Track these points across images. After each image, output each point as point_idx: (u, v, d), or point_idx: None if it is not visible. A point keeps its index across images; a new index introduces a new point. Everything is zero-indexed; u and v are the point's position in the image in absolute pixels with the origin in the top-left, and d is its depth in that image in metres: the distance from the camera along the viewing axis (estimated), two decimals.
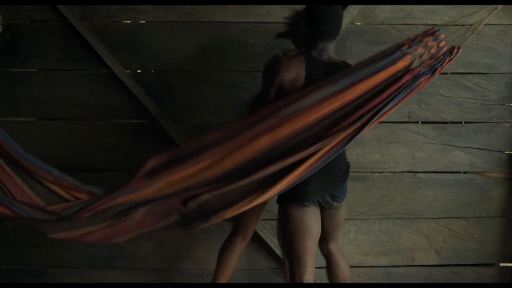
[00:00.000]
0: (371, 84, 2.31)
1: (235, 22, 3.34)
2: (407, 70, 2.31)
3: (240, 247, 3.03)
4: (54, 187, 2.37)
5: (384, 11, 3.36)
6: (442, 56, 2.34)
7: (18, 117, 3.39)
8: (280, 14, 3.32)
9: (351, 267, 3.46)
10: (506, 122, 3.45)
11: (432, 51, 2.33)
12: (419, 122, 3.46)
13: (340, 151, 2.44)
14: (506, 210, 3.52)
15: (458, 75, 3.43)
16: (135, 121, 3.42)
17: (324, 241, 2.87)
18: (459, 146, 3.44)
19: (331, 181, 2.64)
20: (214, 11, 3.33)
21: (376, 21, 3.37)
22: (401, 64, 2.29)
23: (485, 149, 3.46)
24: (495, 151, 3.47)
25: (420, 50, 2.29)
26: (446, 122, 3.46)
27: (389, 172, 3.46)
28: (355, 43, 3.37)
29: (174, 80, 3.38)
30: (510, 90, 3.43)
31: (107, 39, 3.33)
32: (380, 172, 3.46)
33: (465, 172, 3.49)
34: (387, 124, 3.43)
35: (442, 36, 2.35)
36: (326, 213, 2.75)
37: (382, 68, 2.30)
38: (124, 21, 3.36)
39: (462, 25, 3.37)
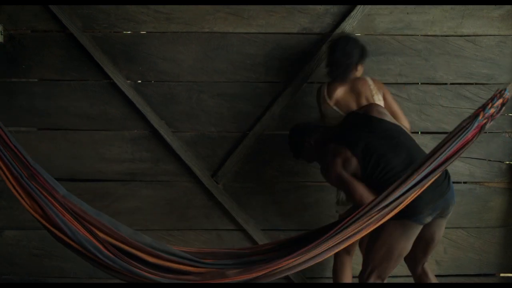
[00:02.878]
0: (450, 155, 2.33)
1: (235, 32, 3.36)
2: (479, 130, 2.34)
3: (349, 262, 3.06)
4: (60, 209, 2.28)
5: (383, 22, 3.38)
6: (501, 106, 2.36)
7: (18, 126, 3.40)
8: (280, 25, 3.34)
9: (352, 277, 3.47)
10: (506, 132, 3.46)
11: (499, 107, 2.35)
12: (419, 132, 3.46)
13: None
14: (506, 220, 3.52)
15: (457, 85, 3.44)
16: (135, 131, 3.43)
17: (419, 261, 2.83)
18: (459, 156, 3.44)
19: (437, 186, 2.58)
20: (215, 22, 3.35)
21: (375, 31, 3.38)
22: (476, 131, 2.31)
23: (485, 159, 3.46)
24: (495, 161, 3.47)
25: (491, 112, 2.31)
26: (445, 132, 3.46)
27: None
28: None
29: (175, 90, 3.39)
30: (509, 100, 3.43)
31: (107, 49, 3.34)
32: None
33: (465, 182, 3.49)
34: None
35: (508, 95, 2.36)
36: (434, 224, 2.69)
37: (460, 141, 2.32)
38: (124, 32, 3.37)
39: (461, 36, 3.40)
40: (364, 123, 2.77)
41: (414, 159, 2.63)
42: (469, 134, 2.29)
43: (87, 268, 3.45)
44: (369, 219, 2.31)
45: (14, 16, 3.31)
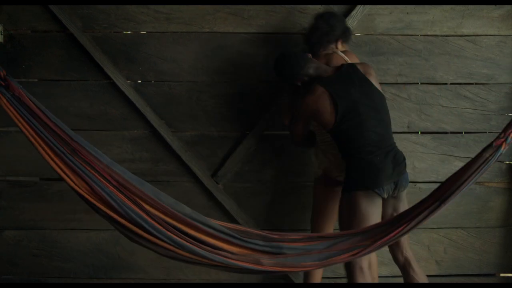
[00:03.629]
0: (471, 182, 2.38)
1: (235, 32, 3.36)
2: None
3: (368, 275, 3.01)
4: (104, 182, 2.23)
5: (383, 22, 3.38)
6: None
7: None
8: (280, 25, 3.33)
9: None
10: None
11: None
12: (419, 132, 3.46)
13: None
14: (506, 220, 3.51)
15: (457, 85, 3.44)
16: (136, 131, 3.43)
17: (399, 249, 2.89)
18: (459, 156, 3.45)
19: (398, 166, 2.78)
20: (215, 22, 3.35)
21: (375, 31, 3.39)
22: (496, 158, 2.35)
23: None
24: (495, 161, 3.46)
25: (510, 140, 2.33)
26: (446, 132, 3.47)
27: None
28: (355, 54, 3.37)
29: (174, 90, 3.39)
30: (509, 100, 3.44)
31: (107, 49, 3.34)
32: None
33: None
34: None
35: None
36: (395, 199, 2.81)
37: (483, 172, 2.37)
38: (124, 32, 3.37)
39: (461, 36, 3.40)
40: (360, 83, 2.82)
41: (386, 140, 2.81)
42: (491, 163, 2.35)
43: (87, 268, 3.46)
44: (389, 240, 2.41)
45: (14, 16, 3.31)
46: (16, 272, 3.47)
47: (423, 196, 3.43)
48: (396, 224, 2.40)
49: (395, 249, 2.89)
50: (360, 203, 2.73)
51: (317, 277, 3.22)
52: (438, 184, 3.43)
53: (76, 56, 3.34)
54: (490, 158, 2.32)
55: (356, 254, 2.37)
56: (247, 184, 3.46)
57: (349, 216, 2.76)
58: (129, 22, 3.35)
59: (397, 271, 3.50)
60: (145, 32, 3.38)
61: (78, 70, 3.36)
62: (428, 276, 3.50)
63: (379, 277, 3.51)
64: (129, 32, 3.38)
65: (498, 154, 2.32)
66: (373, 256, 3.08)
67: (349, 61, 2.99)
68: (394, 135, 3.40)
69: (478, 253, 3.52)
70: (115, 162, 2.29)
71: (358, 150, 2.77)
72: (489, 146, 2.33)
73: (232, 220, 3.43)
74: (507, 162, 3.48)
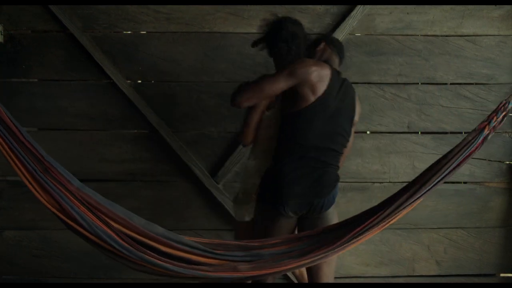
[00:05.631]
0: (454, 167, 2.37)
1: (235, 32, 3.36)
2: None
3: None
4: (75, 202, 2.29)
5: (383, 22, 3.38)
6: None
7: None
8: None
9: (351, 277, 3.47)
10: (506, 132, 3.46)
11: (501, 118, 2.38)
12: (419, 132, 3.47)
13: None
14: (506, 220, 3.52)
15: (457, 85, 3.44)
16: (135, 131, 3.43)
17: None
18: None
19: (318, 188, 2.58)
20: (215, 22, 3.35)
21: (375, 31, 3.39)
22: (480, 142, 2.36)
23: (485, 159, 3.46)
24: (495, 161, 3.47)
25: (496, 124, 2.37)
26: (445, 132, 3.47)
27: (389, 182, 3.46)
28: (355, 54, 3.38)
29: (174, 90, 3.39)
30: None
31: (107, 49, 3.34)
32: (380, 183, 3.47)
33: (465, 182, 3.49)
34: (387, 134, 3.44)
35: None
36: (308, 223, 2.63)
37: (466, 155, 2.36)
38: (124, 32, 3.37)
39: (461, 36, 3.41)
40: (344, 98, 2.66)
41: (325, 160, 2.60)
42: (473, 148, 2.34)
43: (87, 268, 3.46)
44: (368, 226, 2.34)
45: (14, 16, 3.31)
46: (16, 272, 3.46)
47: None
48: (375, 211, 2.37)
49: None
50: (261, 217, 2.67)
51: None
52: None
53: (76, 56, 3.34)
54: (473, 141, 2.33)
55: (335, 248, 2.32)
56: None
57: (253, 226, 2.73)
58: (129, 22, 3.35)
59: (397, 271, 3.51)
60: (145, 32, 3.38)
61: (78, 70, 3.36)
62: (428, 276, 3.53)
63: (379, 277, 3.52)
64: (129, 32, 3.38)
65: (481, 137, 2.33)
66: None
67: None
68: (395, 135, 3.44)
69: (478, 253, 3.52)
70: (85, 186, 2.31)
71: (290, 152, 2.59)
72: (473, 130, 2.36)
73: (232, 219, 3.43)
74: (507, 162, 3.48)
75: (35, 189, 2.27)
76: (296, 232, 2.70)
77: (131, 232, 2.30)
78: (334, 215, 2.66)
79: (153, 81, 3.40)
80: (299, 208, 2.58)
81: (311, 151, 2.58)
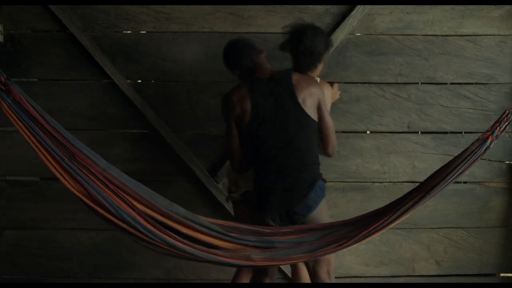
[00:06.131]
0: (458, 175, 2.40)
1: (235, 32, 3.36)
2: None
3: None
4: (101, 186, 2.27)
5: (383, 22, 3.38)
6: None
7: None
8: (280, 25, 3.33)
9: (351, 277, 3.47)
10: (506, 132, 3.46)
11: (503, 128, 2.41)
12: (419, 132, 3.47)
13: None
14: (506, 220, 3.51)
15: (457, 85, 3.44)
16: (135, 131, 3.43)
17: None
18: None
19: (290, 195, 2.59)
20: (215, 22, 3.35)
21: (375, 31, 3.39)
22: (483, 152, 2.37)
23: (485, 159, 3.46)
24: (495, 161, 3.47)
25: (499, 134, 2.38)
26: (445, 132, 3.47)
27: (389, 182, 3.46)
28: (355, 54, 3.38)
29: (174, 90, 3.39)
30: (509, 100, 3.44)
31: (107, 49, 3.34)
32: (380, 182, 3.47)
33: (465, 182, 3.49)
34: (387, 134, 3.44)
35: None
36: None
37: (469, 164, 2.37)
38: (124, 32, 3.37)
39: (461, 36, 3.41)
40: (283, 97, 2.64)
41: (290, 166, 2.61)
42: (476, 157, 2.36)
43: (87, 268, 3.46)
44: (377, 228, 2.38)
45: (14, 16, 3.32)
46: (16, 272, 3.46)
47: None
48: (381, 215, 2.41)
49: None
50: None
51: (305, 277, 3.13)
52: None
53: (76, 56, 3.34)
54: (476, 151, 2.34)
55: (341, 245, 2.37)
56: None
57: None
58: (129, 22, 3.35)
59: (397, 271, 3.51)
60: (145, 32, 3.38)
61: (78, 70, 3.36)
62: (428, 276, 3.53)
63: (379, 277, 3.52)
64: (129, 32, 3.38)
65: (484, 147, 2.35)
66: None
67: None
68: (395, 135, 3.43)
69: (478, 253, 3.52)
70: (112, 165, 2.31)
71: (257, 164, 2.66)
72: (477, 139, 2.37)
73: (232, 219, 3.43)
74: (507, 162, 3.48)
75: (64, 178, 2.27)
76: None
77: (155, 214, 2.33)
78: (322, 218, 2.63)
79: (153, 81, 3.40)
80: (279, 217, 2.61)
81: (272, 161, 2.62)
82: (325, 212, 2.67)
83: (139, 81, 3.40)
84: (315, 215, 2.62)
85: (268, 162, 2.63)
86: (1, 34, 3.30)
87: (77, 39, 3.30)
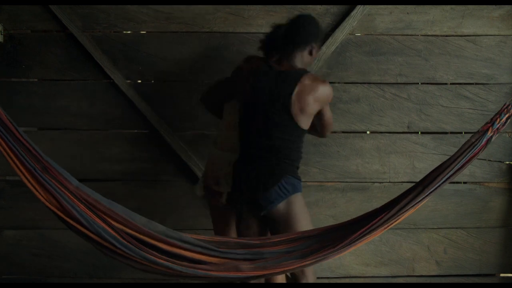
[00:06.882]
0: (458, 169, 2.38)
1: (235, 32, 3.36)
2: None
3: None
4: (75, 200, 2.28)
5: (383, 22, 3.38)
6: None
7: (18, 126, 3.38)
8: None
9: (351, 277, 3.47)
10: (506, 132, 3.46)
11: (504, 120, 2.40)
12: (419, 132, 3.47)
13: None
14: (506, 220, 3.51)
15: (457, 85, 3.44)
16: (135, 130, 3.43)
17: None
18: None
19: (251, 184, 2.65)
20: (215, 22, 3.35)
21: (375, 31, 3.39)
22: (483, 144, 2.36)
23: (485, 159, 3.46)
24: (495, 161, 3.47)
25: (500, 127, 2.38)
26: (445, 133, 3.47)
27: (389, 182, 3.46)
28: (355, 54, 3.38)
29: (175, 90, 3.39)
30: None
31: (107, 49, 3.34)
32: (380, 183, 3.47)
33: (465, 183, 3.49)
34: (387, 134, 3.44)
35: None
36: (261, 223, 2.72)
37: (470, 157, 2.36)
38: (124, 32, 3.38)
39: (461, 36, 3.41)
40: (278, 86, 2.67)
41: (262, 155, 2.66)
42: (477, 149, 2.34)
43: (87, 268, 3.46)
44: (371, 228, 2.33)
45: (14, 16, 3.31)
46: (16, 272, 3.46)
47: None
48: (378, 213, 2.36)
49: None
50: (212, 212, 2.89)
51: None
52: None
53: (76, 56, 3.34)
54: (475, 143, 2.33)
55: (336, 248, 2.31)
56: None
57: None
58: (129, 22, 3.35)
59: (397, 271, 3.51)
60: (145, 32, 3.38)
61: (78, 70, 3.36)
62: (428, 276, 3.53)
63: (379, 277, 3.52)
64: (129, 32, 3.38)
65: (485, 139, 2.33)
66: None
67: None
68: (395, 135, 3.44)
69: (478, 253, 3.52)
70: (83, 185, 2.30)
71: (240, 145, 2.75)
72: (477, 131, 2.36)
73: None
74: (507, 162, 3.48)
75: (35, 188, 2.27)
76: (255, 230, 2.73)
77: (132, 231, 2.30)
78: (292, 216, 2.64)
79: (153, 81, 3.40)
80: (241, 202, 2.68)
81: (249, 146, 2.69)
82: (298, 210, 2.65)
83: (139, 81, 3.40)
84: (281, 211, 2.63)
85: (246, 144, 2.71)
86: (1, 34, 3.30)
87: (77, 39, 3.30)
